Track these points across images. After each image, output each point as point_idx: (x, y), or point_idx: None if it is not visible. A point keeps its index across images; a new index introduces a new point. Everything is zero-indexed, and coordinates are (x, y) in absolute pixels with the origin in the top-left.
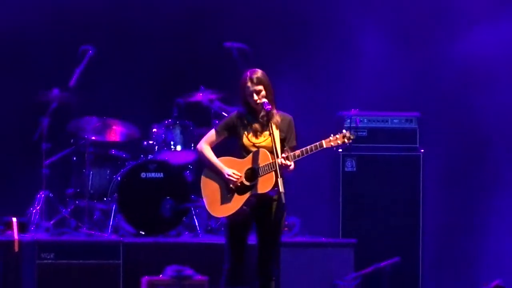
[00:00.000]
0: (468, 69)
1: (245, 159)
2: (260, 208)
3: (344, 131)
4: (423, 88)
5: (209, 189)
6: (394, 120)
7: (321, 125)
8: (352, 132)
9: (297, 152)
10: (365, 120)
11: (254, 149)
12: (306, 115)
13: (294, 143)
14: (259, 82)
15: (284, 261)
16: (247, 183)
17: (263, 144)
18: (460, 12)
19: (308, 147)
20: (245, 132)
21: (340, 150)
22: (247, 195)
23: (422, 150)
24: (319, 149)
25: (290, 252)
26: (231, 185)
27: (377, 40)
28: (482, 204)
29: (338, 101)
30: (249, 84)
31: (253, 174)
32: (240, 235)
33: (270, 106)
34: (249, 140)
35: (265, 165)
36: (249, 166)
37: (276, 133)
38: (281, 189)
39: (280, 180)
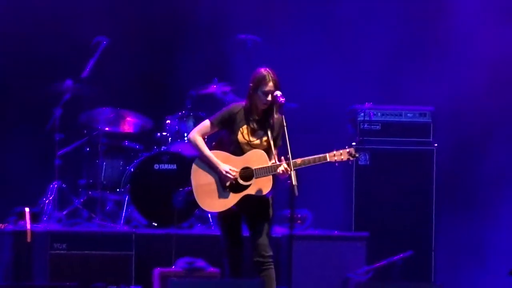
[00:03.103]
0: (484, 64)
1: (241, 157)
2: (252, 205)
3: (347, 147)
4: (437, 82)
5: (201, 180)
6: (408, 114)
7: (335, 119)
8: (356, 151)
9: (299, 160)
10: (379, 114)
11: (247, 147)
12: (320, 108)
13: (280, 143)
14: (277, 84)
15: (296, 254)
16: (243, 183)
17: (257, 142)
18: (476, 8)
19: (311, 157)
20: (241, 128)
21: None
22: (242, 194)
23: (436, 144)
24: (322, 161)
25: (303, 245)
26: (226, 182)
27: (391, 34)
28: (494, 197)
29: (351, 94)
30: (270, 83)
31: (249, 174)
32: (234, 226)
33: (284, 99)
34: (243, 137)
35: (264, 167)
36: (245, 165)
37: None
38: (294, 182)
39: (293, 173)
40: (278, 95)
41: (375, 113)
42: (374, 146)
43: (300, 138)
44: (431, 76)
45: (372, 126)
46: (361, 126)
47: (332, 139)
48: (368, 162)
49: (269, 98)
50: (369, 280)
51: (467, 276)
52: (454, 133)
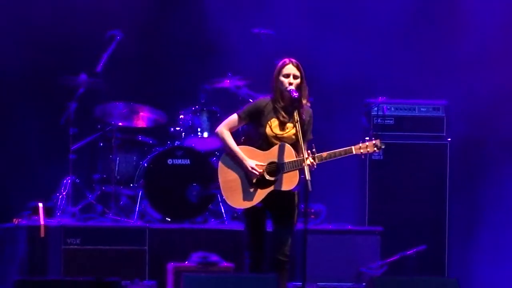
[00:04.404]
0: (498, 57)
1: (267, 151)
2: (277, 200)
3: (373, 139)
4: (450, 76)
5: (227, 177)
6: (422, 108)
7: (348, 113)
8: (382, 141)
9: (325, 154)
10: (392, 108)
11: (275, 141)
12: (333, 102)
13: (311, 136)
14: (298, 68)
15: (310, 248)
16: (269, 178)
17: (285, 136)
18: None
19: (337, 150)
20: (269, 122)
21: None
22: (269, 189)
23: (449, 139)
24: (348, 154)
25: (316, 239)
26: (252, 178)
27: (403, 28)
28: (509, 191)
29: (365, 88)
30: (289, 65)
31: (275, 169)
32: (258, 222)
33: (297, 94)
34: (272, 130)
35: (291, 162)
36: (272, 159)
37: (299, 127)
38: (308, 176)
39: (306, 168)
40: (291, 89)
41: (388, 107)
42: (387, 141)
43: (316, 132)
44: (444, 70)
45: (385, 121)
46: (375, 121)
47: (348, 133)
48: (381, 157)
49: (291, 80)
50: (383, 274)
51: (481, 270)
52: (468, 127)
